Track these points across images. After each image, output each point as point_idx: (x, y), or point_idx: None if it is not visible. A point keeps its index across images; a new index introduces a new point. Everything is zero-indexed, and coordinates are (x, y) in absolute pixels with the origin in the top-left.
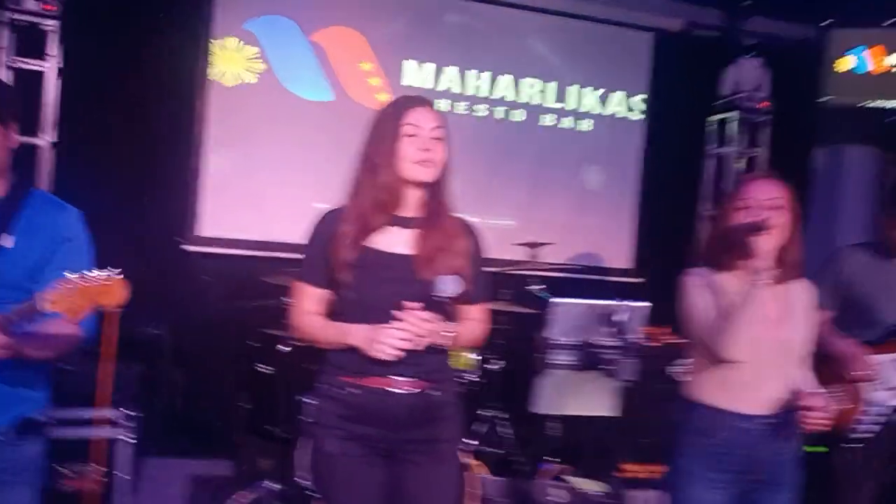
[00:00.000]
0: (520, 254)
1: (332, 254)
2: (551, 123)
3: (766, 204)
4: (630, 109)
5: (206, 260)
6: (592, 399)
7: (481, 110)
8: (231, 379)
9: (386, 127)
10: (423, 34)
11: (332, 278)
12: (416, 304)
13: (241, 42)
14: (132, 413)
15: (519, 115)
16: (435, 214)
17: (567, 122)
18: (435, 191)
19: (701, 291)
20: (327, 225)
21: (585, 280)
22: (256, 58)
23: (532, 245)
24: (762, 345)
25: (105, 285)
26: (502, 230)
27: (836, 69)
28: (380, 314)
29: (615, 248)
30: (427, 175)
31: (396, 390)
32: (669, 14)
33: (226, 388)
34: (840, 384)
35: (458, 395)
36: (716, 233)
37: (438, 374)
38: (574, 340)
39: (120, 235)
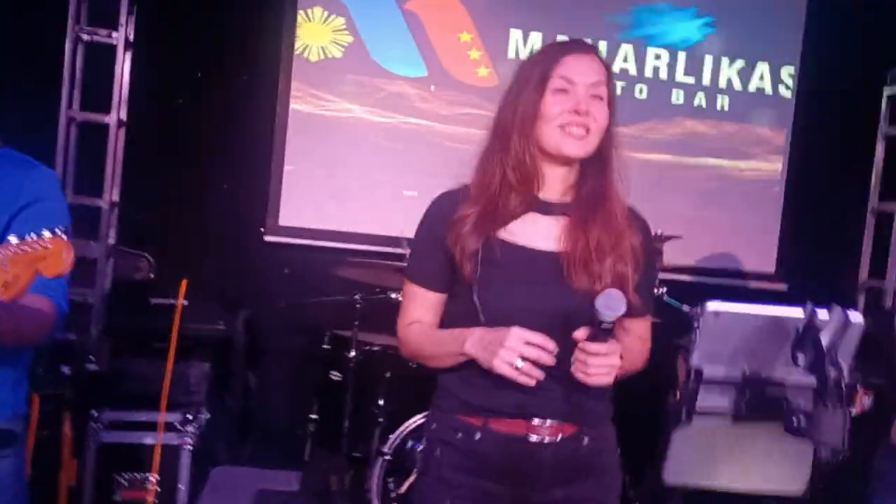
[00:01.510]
0: None
1: (449, 246)
2: (680, 102)
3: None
4: (778, 83)
5: (288, 251)
6: (763, 466)
7: None
8: (306, 383)
9: (527, 79)
10: (526, 1)
11: (448, 279)
12: (582, 332)
13: (327, 12)
14: (195, 417)
15: (642, 92)
16: (593, 199)
17: (700, 99)
18: (594, 167)
19: None
20: (443, 208)
21: (715, 285)
22: (343, 29)
23: (657, 238)
24: None
25: (45, 249)
26: None
27: None
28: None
29: (754, 249)
30: (576, 147)
31: (536, 437)
32: None
33: (300, 392)
34: None
35: (616, 442)
36: None
37: (594, 414)
38: (735, 373)
39: (195, 224)
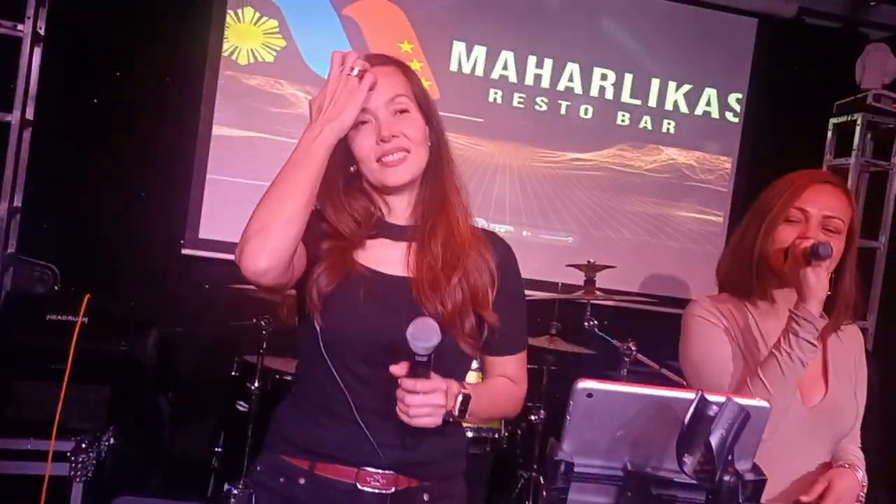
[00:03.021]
0: (575, 277)
1: (312, 259)
2: (625, 123)
3: (825, 222)
4: (724, 110)
5: (208, 266)
6: None
7: (542, 104)
8: (219, 410)
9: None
10: (474, 12)
11: (300, 265)
12: (400, 368)
13: (258, 13)
14: (90, 445)
15: (587, 112)
16: (432, 217)
17: (645, 123)
18: (428, 181)
19: (713, 335)
20: (315, 221)
21: (659, 314)
22: (275, 32)
23: (590, 268)
24: (790, 422)
25: None
26: (559, 248)
27: None
28: (354, 358)
29: (700, 277)
30: (398, 174)
31: (366, 487)
32: None
33: (213, 420)
34: None
35: (462, 495)
36: (748, 248)
37: (439, 468)
38: (615, 467)
39: (106, 234)
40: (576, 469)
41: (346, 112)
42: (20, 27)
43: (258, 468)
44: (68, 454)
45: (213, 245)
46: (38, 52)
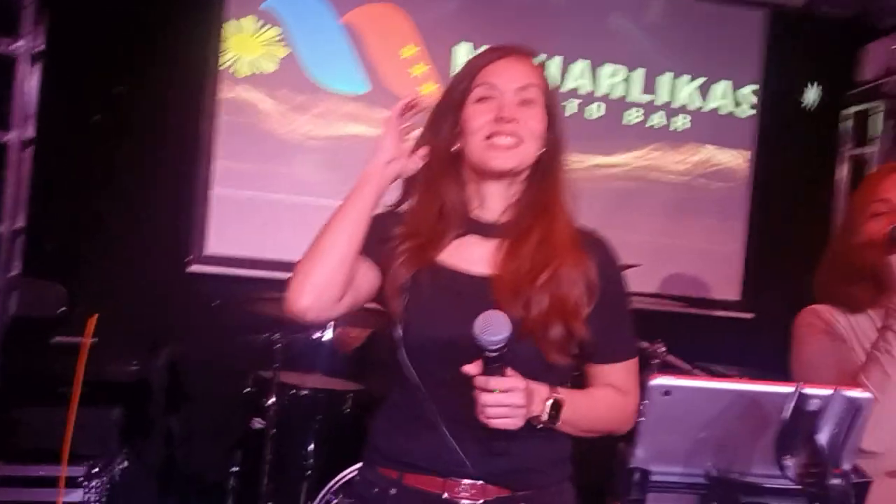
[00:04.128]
0: None
1: (384, 266)
2: (637, 120)
3: None
4: (737, 104)
5: (216, 283)
6: None
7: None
8: (233, 429)
9: (453, 89)
10: (478, 12)
11: (375, 283)
12: (474, 367)
13: (260, 22)
14: (103, 469)
15: (597, 110)
16: (532, 217)
17: (657, 119)
18: (536, 181)
19: (822, 341)
20: (382, 227)
21: (681, 315)
22: (277, 41)
23: None
24: None
25: None
26: None
27: None
28: (435, 363)
29: (718, 276)
30: (504, 160)
31: (454, 498)
32: None
33: (228, 439)
34: None
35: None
36: (839, 252)
37: (536, 476)
38: (696, 473)
39: (111, 253)
40: (652, 477)
41: (379, 151)
42: (17, 44)
43: (357, 479)
44: (80, 479)
45: (221, 261)
46: (36, 69)
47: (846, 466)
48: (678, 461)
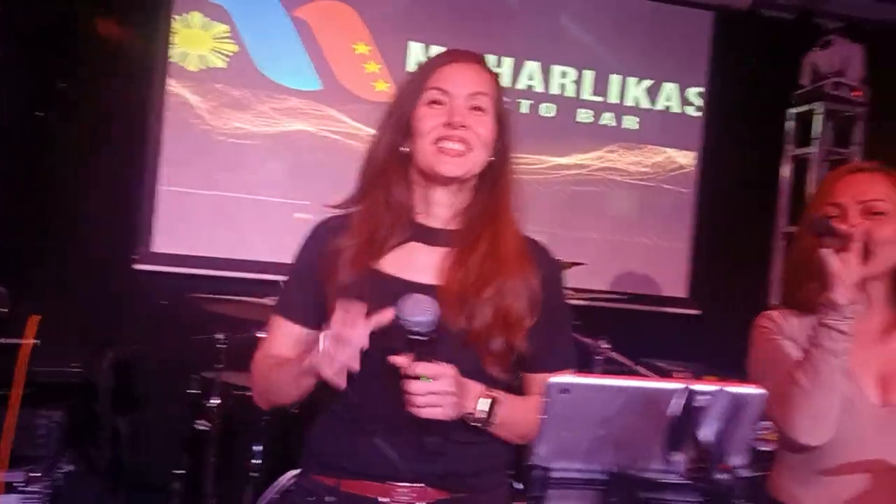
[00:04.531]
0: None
1: (323, 277)
2: (588, 120)
3: (864, 208)
4: (685, 104)
5: (163, 281)
6: None
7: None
8: (181, 431)
9: (405, 90)
10: (430, 12)
11: (318, 314)
12: (402, 358)
13: (208, 18)
14: (44, 473)
15: (548, 110)
16: (479, 226)
17: (607, 119)
18: (485, 189)
19: (774, 343)
20: (319, 237)
21: (632, 312)
22: (226, 37)
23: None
24: (862, 423)
25: None
26: None
27: None
28: (372, 371)
29: (666, 273)
30: (453, 166)
31: (394, 502)
32: None
33: (171, 442)
34: None
35: None
36: (794, 256)
37: (474, 479)
38: (596, 470)
39: (55, 251)
40: (554, 474)
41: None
42: None
43: (292, 488)
44: (19, 484)
45: (168, 259)
46: None
47: (738, 461)
48: (579, 458)
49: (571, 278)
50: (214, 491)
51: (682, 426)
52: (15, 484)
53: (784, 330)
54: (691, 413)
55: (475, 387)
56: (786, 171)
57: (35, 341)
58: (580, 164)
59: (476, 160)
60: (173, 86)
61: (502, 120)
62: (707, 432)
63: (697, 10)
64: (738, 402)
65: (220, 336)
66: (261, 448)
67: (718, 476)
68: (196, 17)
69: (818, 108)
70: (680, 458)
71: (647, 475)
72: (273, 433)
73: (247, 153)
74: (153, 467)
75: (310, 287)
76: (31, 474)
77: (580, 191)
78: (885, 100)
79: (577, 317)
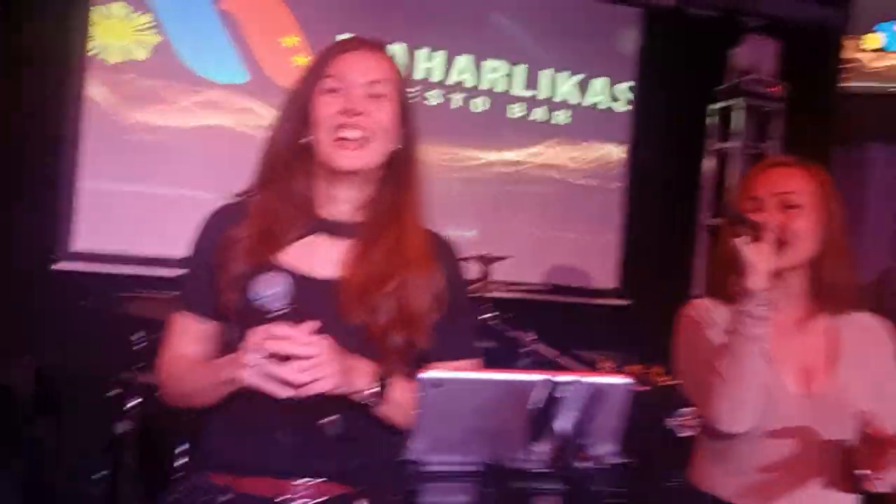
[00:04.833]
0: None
1: (217, 268)
2: (520, 114)
3: (780, 201)
4: (614, 99)
5: (85, 281)
6: None
7: (434, 97)
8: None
9: (303, 79)
10: (361, 3)
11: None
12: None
13: (130, 8)
14: None
15: (481, 104)
16: (384, 219)
17: (539, 114)
18: (388, 181)
19: (697, 333)
20: (215, 226)
21: (559, 303)
22: (149, 27)
23: (486, 259)
24: (781, 412)
25: None
26: (462, 242)
27: (861, 47)
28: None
29: (597, 264)
30: (351, 159)
31: (292, 499)
32: None
33: (93, 447)
34: None
35: None
36: (718, 247)
37: (377, 474)
38: (472, 463)
39: None
40: (430, 468)
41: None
42: None
43: (183, 487)
44: None
45: (89, 257)
46: None
47: (605, 450)
48: (454, 451)
49: (504, 272)
50: (136, 493)
51: (543, 417)
52: None
53: (707, 319)
54: (552, 404)
55: (366, 365)
56: (708, 164)
57: None
58: (513, 160)
59: (377, 150)
60: (92, 78)
61: (405, 108)
62: (564, 423)
63: (626, 8)
64: (600, 393)
65: (141, 335)
66: (186, 447)
67: (578, 465)
68: (117, 8)
69: (738, 103)
70: (542, 448)
71: (518, 465)
72: (198, 432)
73: (170, 147)
74: (76, 472)
75: (209, 277)
76: None
77: (512, 185)
78: (802, 95)
79: (509, 309)
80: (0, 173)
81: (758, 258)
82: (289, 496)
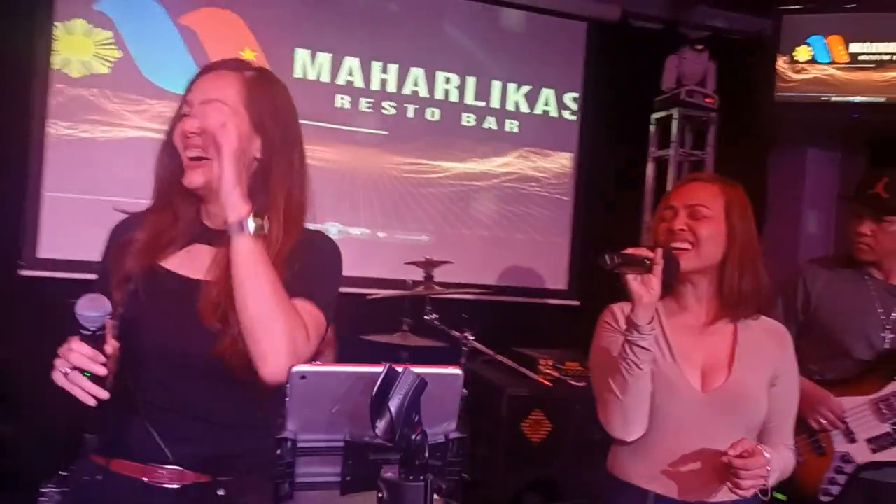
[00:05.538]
0: (446, 275)
1: (110, 268)
2: (471, 124)
3: (690, 211)
4: (561, 109)
5: (50, 287)
6: None
7: (388, 108)
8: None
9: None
10: (317, 18)
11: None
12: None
13: (91, 24)
14: None
15: (433, 114)
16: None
17: (489, 123)
18: (257, 186)
19: (608, 339)
20: (116, 233)
21: (512, 304)
22: (109, 43)
23: (428, 264)
24: (684, 407)
25: None
26: (416, 246)
27: (793, 59)
28: (143, 359)
29: (548, 266)
30: (193, 176)
31: (155, 483)
32: (605, 1)
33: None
34: (804, 434)
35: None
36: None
37: (233, 459)
38: (336, 440)
39: None
40: (301, 444)
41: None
42: None
43: (72, 468)
44: None
45: (54, 264)
46: None
47: (446, 427)
48: (321, 430)
49: (458, 275)
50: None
51: (382, 399)
52: None
53: (620, 323)
54: (388, 388)
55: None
56: (649, 170)
57: None
58: (466, 168)
59: (224, 164)
60: (56, 92)
61: (259, 119)
62: (397, 403)
63: (572, 21)
64: (416, 380)
65: None
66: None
67: (412, 437)
68: (78, 24)
69: (675, 113)
70: (382, 425)
71: (375, 441)
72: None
73: (131, 158)
74: (37, 473)
75: (107, 280)
76: None
77: (466, 192)
78: (736, 104)
79: (467, 312)
80: None
81: (643, 293)
82: (153, 479)
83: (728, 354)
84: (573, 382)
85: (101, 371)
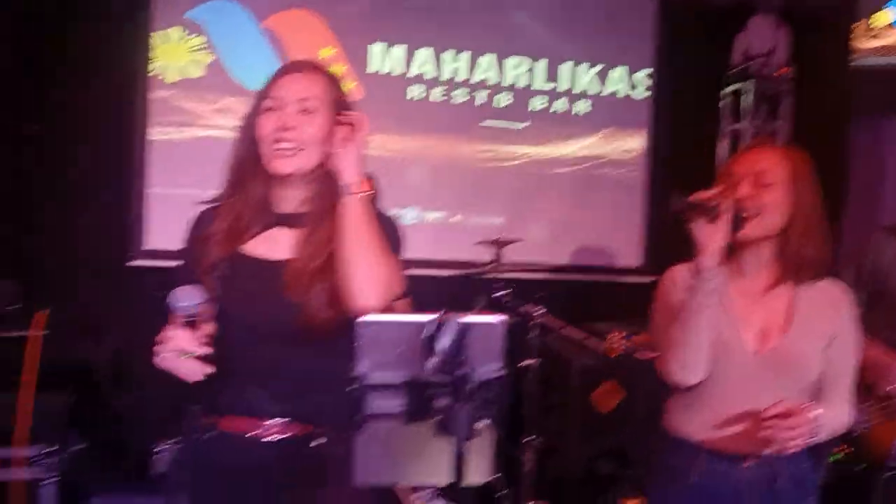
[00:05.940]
0: (519, 253)
1: (195, 260)
2: (542, 107)
3: (753, 178)
4: (633, 87)
5: (157, 276)
6: (437, 462)
7: (460, 96)
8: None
9: (253, 103)
10: (390, 13)
11: None
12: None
13: (185, 32)
14: (56, 451)
15: (504, 100)
16: (320, 211)
17: (560, 105)
18: (327, 176)
19: (668, 297)
20: (195, 227)
21: (586, 282)
22: (202, 48)
23: (498, 243)
24: (736, 367)
25: None
26: (490, 228)
27: (871, 25)
28: (241, 333)
29: (622, 245)
30: (285, 165)
31: (259, 436)
32: None
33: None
34: (872, 400)
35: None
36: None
37: (329, 414)
38: (398, 378)
39: (53, 252)
40: (368, 382)
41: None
42: None
43: (182, 427)
44: (36, 460)
45: (160, 255)
46: None
47: (489, 368)
48: (385, 369)
49: (531, 255)
50: None
51: (431, 341)
52: (31, 459)
53: (681, 284)
54: (436, 332)
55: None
56: (723, 146)
57: (44, 332)
58: (539, 153)
59: (308, 156)
60: (155, 96)
61: (339, 112)
62: (443, 344)
63: None
64: (469, 328)
65: None
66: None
67: (458, 373)
68: (175, 32)
69: (747, 86)
70: (430, 363)
71: (426, 378)
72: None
73: (222, 155)
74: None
75: (193, 269)
76: (46, 451)
77: (537, 174)
78: (812, 74)
79: (535, 290)
80: (84, 183)
81: (709, 239)
82: (259, 432)
83: (785, 317)
84: (642, 355)
85: (202, 351)
